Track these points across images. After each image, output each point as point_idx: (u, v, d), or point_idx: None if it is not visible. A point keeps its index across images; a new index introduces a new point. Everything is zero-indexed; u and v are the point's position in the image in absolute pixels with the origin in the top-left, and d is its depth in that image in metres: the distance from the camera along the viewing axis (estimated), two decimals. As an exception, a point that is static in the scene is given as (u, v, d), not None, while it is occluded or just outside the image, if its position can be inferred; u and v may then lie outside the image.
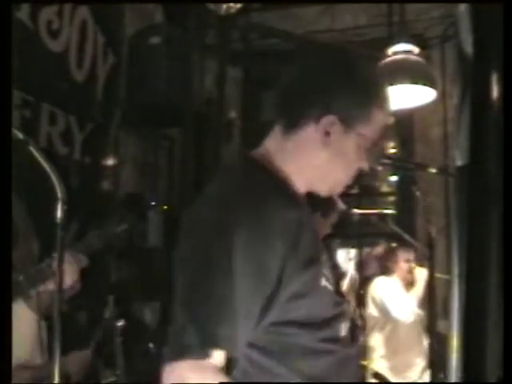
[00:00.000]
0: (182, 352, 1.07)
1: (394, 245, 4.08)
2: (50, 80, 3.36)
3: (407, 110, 3.28)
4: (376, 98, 1.19)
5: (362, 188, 4.88)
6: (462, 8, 0.71)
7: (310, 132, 1.17)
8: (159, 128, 4.69)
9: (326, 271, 1.22)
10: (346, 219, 3.05)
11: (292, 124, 1.19)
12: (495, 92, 0.67)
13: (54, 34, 3.40)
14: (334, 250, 4.45)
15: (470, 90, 0.69)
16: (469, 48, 0.69)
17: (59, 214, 1.34)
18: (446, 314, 0.77)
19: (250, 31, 4.86)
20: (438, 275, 2.22)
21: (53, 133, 3.39)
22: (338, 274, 3.09)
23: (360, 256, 3.92)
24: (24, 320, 1.82)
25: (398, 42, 2.99)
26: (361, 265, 3.86)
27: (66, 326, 1.36)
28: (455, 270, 0.69)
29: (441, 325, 2.15)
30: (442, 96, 3.73)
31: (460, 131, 0.70)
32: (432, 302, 2.16)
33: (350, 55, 1.24)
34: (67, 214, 1.34)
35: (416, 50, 2.99)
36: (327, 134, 1.16)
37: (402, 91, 2.98)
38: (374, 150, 1.21)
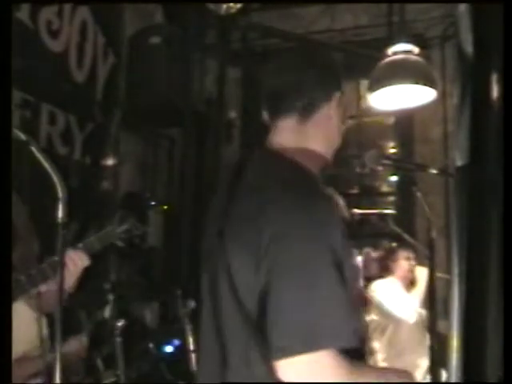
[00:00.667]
0: (302, 348, 1.09)
1: (394, 245, 4.07)
2: (49, 80, 3.36)
3: (407, 110, 3.27)
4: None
5: (362, 188, 4.88)
6: (462, 8, 0.71)
7: (326, 109, 1.36)
8: (159, 128, 4.69)
9: None
10: (346, 219, 3.05)
11: (309, 110, 1.34)
12: (495, 92, 0.67)
13: (54, 34, 3.40)
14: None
15: (470, 90, 0.69)
16: (469, 48, 0.69)
17: (60, 213, 1.34)
18: (446, 313, 0.77)
19: (250, 31, 4.86)
20: (438, 275, 2.22)
21: (53, 133, 3.40)
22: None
23: (360, 256, 3.92)
24: (24, 318, 1.83)
25: (398, 42, 2.99)
26: (362, 265, 3.85)
27: (66, 325, 1.36)
28: (455, 270, 0.69)
29: (441, 325, 2.14)
30: (442, 96, 3.73)
31: (460, 131, 0.70)
32: (432, 302, 2.16)
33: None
34: (67, 213, 1.34)
35: (416, 49, 2.99)
36: (335, 106, 1.37)
37: (402, 91, 2.98)
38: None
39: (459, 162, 0.70)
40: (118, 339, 2.51)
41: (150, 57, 4.06)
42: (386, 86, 2.95)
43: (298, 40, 4.62)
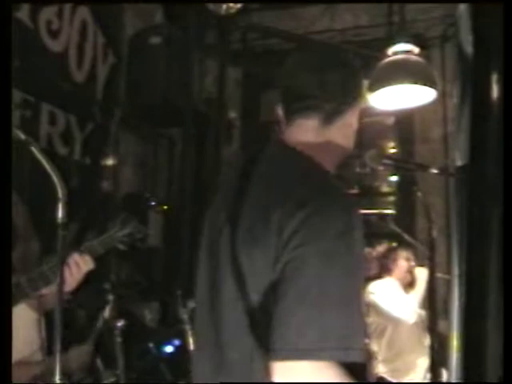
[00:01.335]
0: (304, 353, 1.06)
1: (394, 244, 4.07)
2: (50, 80, 3.36)
3: (407, 110, 3.27)
4: None
5: (362, 188, 4.88)
6: (462, 8, 0.71)
7: (349, 116, 1.38)
8: (159, 128, 4.69)
9: None
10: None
11: (335, 114, 1.35)
12: (495, 92, 0.67)
13: (54, 34, 3.40)
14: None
15: (470, 90, 0.69)
16: (469, 48, 0.69)
17: (60, 214, 1.34)
18: (446, 313, 0.77)
19: (250, 31, 4.86)
20: (438, 275, 2.22)
21: (53, 133, 3.40)
22: None
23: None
24: (24, 320, 1.83)
25: (398, 42, 2.99)
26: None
27: (67, 325, 1.36)
28: (455, 270, 0.69)
29: (441, 325, 2.14)
30: (442, 96, 3.72)
31: (460, 131, 0.70)
32: (432, 302, 2.16)
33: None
34: (67, 214, 1.34)
35: (416, 49, 2.98)
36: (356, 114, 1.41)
37: (402, 91, 2.98)
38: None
39: (459, 162, 0.70)
40: (118, 339, 2.51)
41: (150, 57, 4.06)
42: (385, 85, 2.95)
43: (298, 40, 4.62)
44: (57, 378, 1.30)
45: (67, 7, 3.53)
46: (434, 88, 2.94)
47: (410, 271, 3.84)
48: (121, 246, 1.94)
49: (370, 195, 5.01)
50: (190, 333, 2.69)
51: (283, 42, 4.72)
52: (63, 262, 1.38)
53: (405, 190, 4.69)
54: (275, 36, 4.75)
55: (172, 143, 4.81)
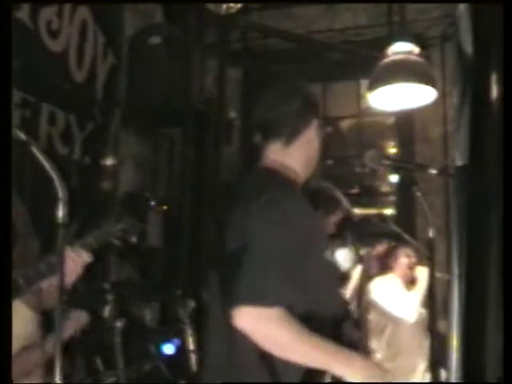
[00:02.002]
0: (257, 299, 1.36)
1: (394, 244, 4.06)
2: (49, 80, 3.35)
3: (407, 110, 3.28)
4: None
5: (362, 188, 4.88)
6: (462, 8, 0.71)
7: (308, 134, 1.71)
8: (159, 128, 4.69)
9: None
10: (347, 219, 3.06)
11: (294, 135, 1.67)
12: (495, 92, 0.67)
13: (54, 34, 3.40)
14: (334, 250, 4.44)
15: (470, 90, 0.69)
16: (469, 48, 0.69)
17: (60, 213, 1.34)
18: (446, 313, 0.77)
19: (250, 31, 4.86)
20: (438, 275, 2.22)
21: (53, 133, 3.40)
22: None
23: (360, 256, 3.90)
24: (20, 318, 1.82)
25: (398, 42, 2.99)
26: (362, 265, 3.83)
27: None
28: (455, 270, 0.69)
29: (441, 325, 2.14)
30: (442, 96, 3.72)
31: (460, 131, 0.70)
32: (432, 302, 2.16)
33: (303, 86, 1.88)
34: (67, 213, 1.34)
35: (416, 49, 2.99)
36: (314, 130, 1.73)
37: (402, 91, 2.98)
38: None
39: (459, 162, 0.70)
40: (118, 339, 2.51)
41: (150, 57, 4.06)
42: (385, 85, 2.95)
43: (298, 40, 4.62)
44: (57, 378, 1.30)
45: (67, 7, 3.53)
46: (434, 88, 2.95)
47: (411, 268, 3.83)
48: (116, 242, 1.94)
49: (370, 195, 5.01)
50: (189, 333, 2.69)
51: (283, 42, 4.72)
52: (62, 261, 1.37)
53: (405, 190, 4.69)
54: (275, 36, 4.75)
55: (172, 143, 4.81)
